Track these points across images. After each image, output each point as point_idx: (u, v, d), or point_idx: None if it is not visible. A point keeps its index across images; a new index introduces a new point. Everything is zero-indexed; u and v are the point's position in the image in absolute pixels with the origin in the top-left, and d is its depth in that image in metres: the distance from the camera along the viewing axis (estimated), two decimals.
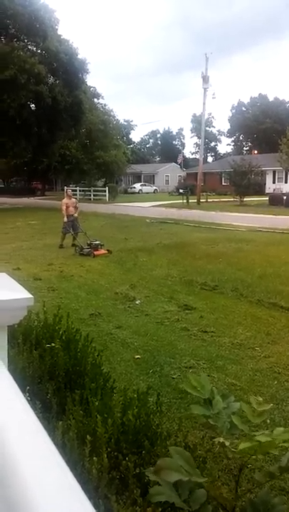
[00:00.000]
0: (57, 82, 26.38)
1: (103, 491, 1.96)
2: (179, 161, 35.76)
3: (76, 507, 0.45)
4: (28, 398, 0.65)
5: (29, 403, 0.69)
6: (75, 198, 12.64)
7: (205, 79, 31.73)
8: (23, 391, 0.71)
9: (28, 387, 2.46)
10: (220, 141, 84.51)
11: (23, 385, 0.63)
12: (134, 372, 4.01)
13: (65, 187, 37.62)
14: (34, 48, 26.78)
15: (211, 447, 2.44)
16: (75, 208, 11.96)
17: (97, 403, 2.47)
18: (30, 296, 0.99)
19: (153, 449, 2.22)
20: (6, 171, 48.27)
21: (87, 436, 2.16)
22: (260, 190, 35.97)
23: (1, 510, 0.46)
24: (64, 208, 11.74)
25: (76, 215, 11.88)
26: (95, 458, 2.05)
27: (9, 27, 25.70)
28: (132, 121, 72.72)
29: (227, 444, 1.59)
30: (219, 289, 7.14)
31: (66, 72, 25.66)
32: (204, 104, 32.53)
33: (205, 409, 1.78)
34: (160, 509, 1.84)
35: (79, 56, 26.99)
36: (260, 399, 1.87)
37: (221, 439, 1.61)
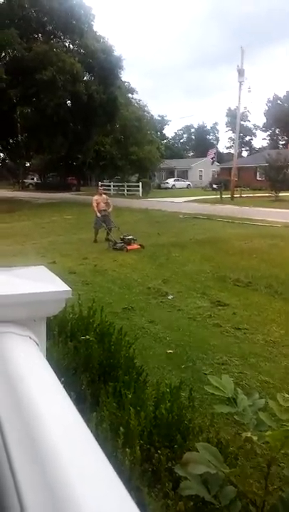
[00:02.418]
0: (93, 79, 26.57)
1: (135, 482, 1.99)
2: (211, 156, 35.39)
3: (112, 491, 0.46)
4: (64, 388, 0.68)
5: None
6: (106, 195, 12.84)
7: (240, 72, 31.12)
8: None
9: (62, 378, 2.52)
10: (255, 136, 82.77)
11: (58, 375, 0.65)
12: (166, 366, 4.02)
13: (99, 182, 38.05)
14: (71, 46, 27.07)
15: (243, 444, 2.42)
16: (106, 203, 12.16)
17: (130, 396, 2.50)
18: (69, 288, 1.01)
19: (185, 444, 2.23)
20: (42, 167, 49.27)
21: (120, 428, 2.19)
22: None
23: (40, 495, 0.48)
24: (95, 204, 11.95)
25: (110, 210, 12.05)
26: (127, 449, 2.08)
27: (46, 24, 26.07)
28: (166, 116, 72.35)
29: (254, 438, 1.58)
30: (253, 285, 7.03)
31: (102, 68, 25.79)
32: (239, 98, 31.97)
33: (230, 408, 1.78)
34: (191, 503, 1.86)
35: (114, 53, 27.08)
36: (287, 395, 1.84)
37: (249, 434, 1.60)
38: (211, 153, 35.96)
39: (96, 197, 12.26)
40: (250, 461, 2.45)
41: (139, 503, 0.44)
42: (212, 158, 36.57)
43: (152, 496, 1.97)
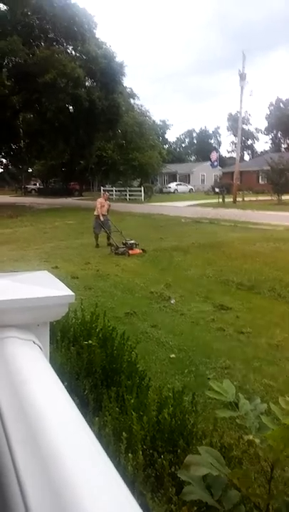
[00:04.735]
0: (95, 84, 26.73)
1: (139, 487, 1.99)
2: (213, 158, 35.70)
3: (117, 494, 0.46)
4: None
5: None
6: (103, 199, 12.68)
7: (242, 76, 31.24)
8: None
9: (65, 383, 2.52)
10: (257, 139, 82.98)
11: (61, 380, 0.66)
12: (169, 371, 4.02)
13: (102, 188, 38.18)
14: (73, 52, 27.25)
15: (247, 448, 2.41)
16: (108, 209, 12.27)
17: (132, 401, 2.50)
18: (72, 293, 1.01)
19: (188, 448, 2.22)
20: (44, 172, 49.43)
21: (123, 433, 2.19)
22: None
23: (45, 497, 0.48)
24: (99, 206, 11.90)
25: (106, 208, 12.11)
26: (130, 455, 2.08)
27: (49, 31, 26.27)
28: (167, 120, 72.54)
29: (257, 441, 1.58)
30: (256, 289, 7.02)
31: (104, 74, 25.93)
32: (241, 101, 32.06)
33: (232, 412, 1.77)
34: (195, 508, 1.85)
35: (116, 59, 27.24)
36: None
37: (250, 437, 1.60)
38: (214, 156, 36.21)
39: (101, 199, 12.24)
40: (254, 465, 2.44)
41: (143, 508, 0.44)
42: (214, 162, 36.77)
43: (156, 500, 1.96)
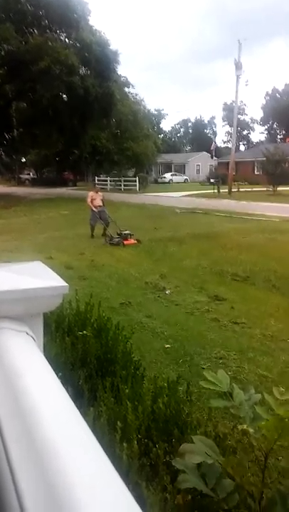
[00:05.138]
0: (89, 72, 26.40)
1: (133, 477, 2.00)
2: (212, 148, 35.92)
3: (111, 488, 0.45)
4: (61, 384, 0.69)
5: None
6: (101, 192, 12.66)
7: (238, 66, 30.96)
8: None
9: (60, 373, 2.52)
10: (253, 129, 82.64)
11: (56, 370, 0.66)
12: (164, 361, 4.03)
13: (96, 178, 37.96)
14: (66, 39, 26.87)
15: (241, 438, 2.43)
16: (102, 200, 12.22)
17: (127, 390, 2.50)
18: (66, 284, 1.00)
19: (183, 438, 2.24)
20: (38, 162, 48.99)
21: (118, 422, 2.19)
22: None
23: (39, 491, 0.48)
24: (89, 200, 11.98)
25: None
26: (125, 444, 2.08)
27: (42, 18, 25.85)
28: (162, 110, 71.94)
29: (251, 431, 1.59)
30: (251, 279, 7.04)
31: (98, 62, 25.60)
32: (237, 91, 31.82)
33: (226, 402, 1.78)
34: (190, 496, 1.87)
35: (111, 47, 26.89)
36: (283, 389, 1.85)
37: (245, 426, 1.61)
38: (213, 146, 36.56)
39: (91, 193, 12.27)
40: (248, 454, 2.46)
41: (138, 497, 0.43)
42: (212, 150, 37.07)
43: (150, 489, 1.98)
